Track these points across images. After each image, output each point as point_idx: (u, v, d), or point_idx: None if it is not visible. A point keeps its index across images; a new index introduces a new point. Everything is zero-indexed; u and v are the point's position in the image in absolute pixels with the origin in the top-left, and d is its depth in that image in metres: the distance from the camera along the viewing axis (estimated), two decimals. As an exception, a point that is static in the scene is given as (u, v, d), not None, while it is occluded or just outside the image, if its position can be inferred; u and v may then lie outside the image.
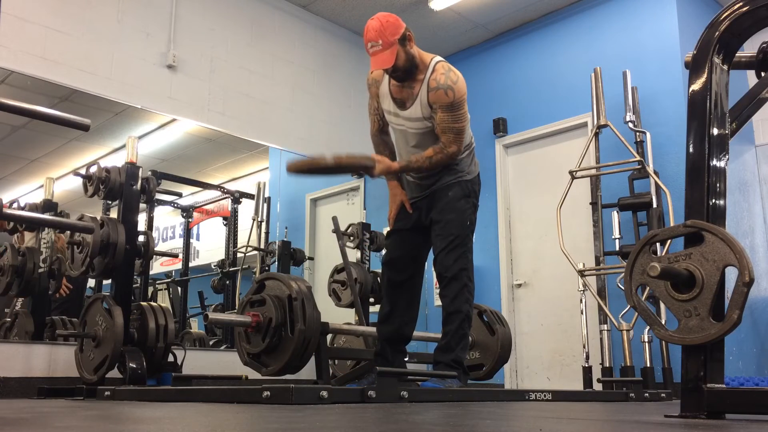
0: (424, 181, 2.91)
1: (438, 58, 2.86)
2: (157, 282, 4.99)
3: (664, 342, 4.09)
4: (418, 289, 3.00)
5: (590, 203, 4.58)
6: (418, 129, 2.84)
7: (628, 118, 4.48)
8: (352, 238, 4.77)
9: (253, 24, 5.01)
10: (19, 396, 3.23)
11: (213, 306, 5.01)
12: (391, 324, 2.91)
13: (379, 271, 3.30)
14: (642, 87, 4.67)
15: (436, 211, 2.86)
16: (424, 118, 2.80)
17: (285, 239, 5.09)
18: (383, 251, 3.65)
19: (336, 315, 4.28)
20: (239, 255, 4.93)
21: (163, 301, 4.90)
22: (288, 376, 2.87)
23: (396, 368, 2.71)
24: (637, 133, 4.49)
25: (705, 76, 1.61)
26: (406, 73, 2.79)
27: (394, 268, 2.96)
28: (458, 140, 2.78)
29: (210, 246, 5.15)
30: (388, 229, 3.11)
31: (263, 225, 5.00)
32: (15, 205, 3.74)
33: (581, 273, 4.24)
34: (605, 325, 4.27)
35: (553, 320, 5.04)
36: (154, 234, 4.44)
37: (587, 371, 4.28)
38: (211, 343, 4.77)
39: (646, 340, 4.08)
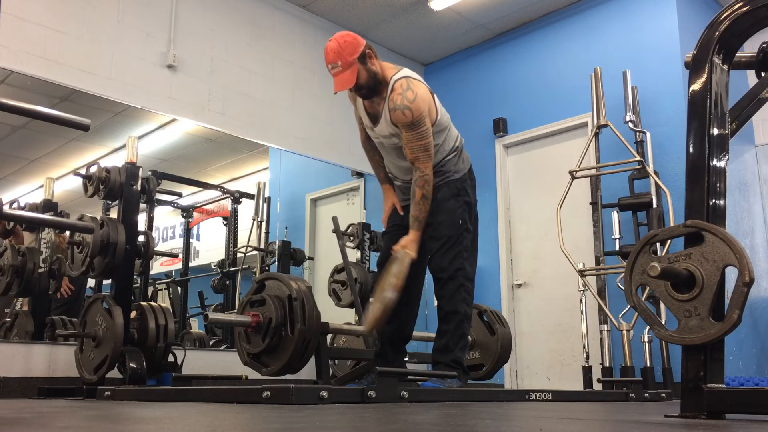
0: (410, 184, 2.91)
1: (399, 74, 2.79)
2: (157, 282, 4.99)
3: (664, 342, 4.09)
4: (415, 289, 2.99)
5: (590, 203, 4.58)
6: (392, 144, 2.88)
7: (628, 118, 4.48)
8: (352, 238, 4.77)
9: (253, 24, 5.01)
10: (19, 396, 3.23)
11: (213, 306, 5.01)
12: (390, 324, 2.91)
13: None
14: (642, 87, 4.67)
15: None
16: (391, 134, 2.83)
17: (285, 239, 5.09)
18: (381, 252, 3.66)
19: (336, 315, 4.28)
20: (239, 255, 4.93)
21: (163, 301, 4.90)
22: (288, 376, 2.87)
23: (396, 368, 2.71)
24: (637, 133, 4.49)
25: (705, 76, 1.61)
26: (370, 90, 2.79)
27: None
28: (426, 156, 2.77)
29: (210, 246, 5.15)
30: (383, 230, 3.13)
31: (263, 225, 5.00)
32: (15, 205, 3.74)
33: (581, 273, 4.24)
34: (605, 325, 4.27)
35: (553, 320, 5.04)
36: (154, 234, 4.44)
37: (587, 371, 4.28)
38: (211, 343, 4.77)
39: (646, 340, 4.08)
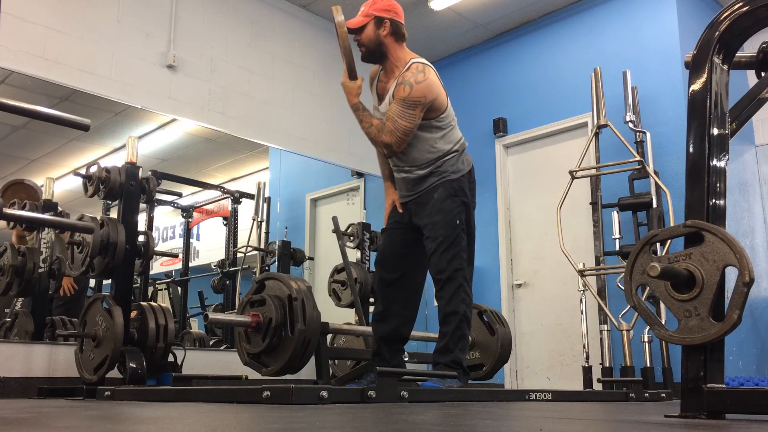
0: (407, 174, 2.91)
1: (419, 59, 2.86)
2: (157, 282, 4.99)
3: (664, 342, 4.09)
4: (414, 289, 2.99)
5: (590, 203, 4.58)
6: None
7: (628, 118, 4.48)
8: (352, 238, 4.77)
9: (253, 24, 5.01)
10: (19, 396, 3.23)
11: (213, 306, 5.01)
12: (387, 323, 2.91)
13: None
14: (642, 87, 4.67)
15: (424, 214, 2.86)
16: None
17: (285, 239, 5.09)
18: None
19: (336, 315, 4.28)
20: (239, 255, 4.93)
21: (163, 301, 4.90)
22: (288, 376, 2.87)
23: (396, 368, 2.71)
24: (637, 133, 4.49)
25: (705, 76, 1.61)
26: (369, 52, 2.88)
27: (384, 267, 2.97)
28: (396, 135, 2.76)
29: (210, 246, 5.15)
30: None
31: (263, 225, 5.00)
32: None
33: (581, 273, 4.24)
34: (605, 325, 4.27)
35: (553, 320, 5.04)
36: (154, 234, 4.44)
37: (587, 371, 4.28)
38: (211, 343, 4.77)
39: (646, 340, 4.08)
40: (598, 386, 4.08)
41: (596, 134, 4.55)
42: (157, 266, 4.95)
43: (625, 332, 4.04)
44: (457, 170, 2.90)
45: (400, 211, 2.99)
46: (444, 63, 6.04)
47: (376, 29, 2.82)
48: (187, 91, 4.50)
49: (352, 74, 2.85)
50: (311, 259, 5.37)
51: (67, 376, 3.37)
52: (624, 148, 4.35)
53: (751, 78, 1.97)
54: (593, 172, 4.52)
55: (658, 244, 1.60)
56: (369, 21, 2.82)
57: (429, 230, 2.83)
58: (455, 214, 2.83)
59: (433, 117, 2.82)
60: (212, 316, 2.92)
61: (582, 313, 4.41)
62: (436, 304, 2.91)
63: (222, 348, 4.66)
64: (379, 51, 2.85)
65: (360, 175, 5.64)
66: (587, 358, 4.31)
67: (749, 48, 1.83)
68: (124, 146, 3.33)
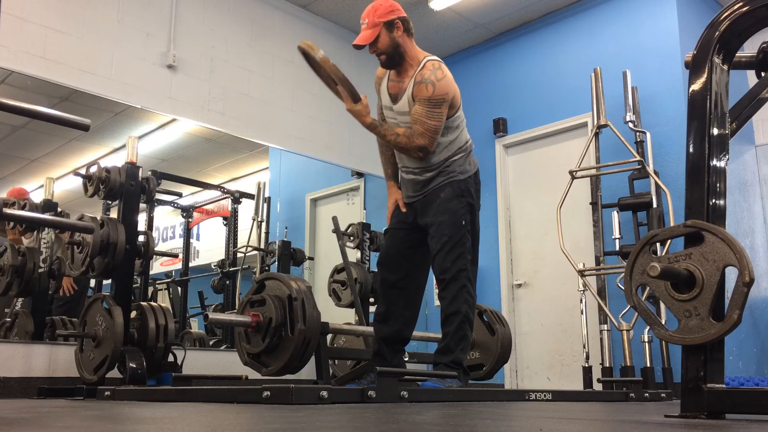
0: (417, 176, 2.91)
1: (432, 57, 2.87)
2: (157, 282, 4.99)
3: (664, 342, 4.09)
4: (416, 290, 2.98)
5: (590, 203, 4.58)
6: (407, 124, 2.87)
7: (628, 118, 4.48)
8: (352, 238, 4.77)
9: (253, 24, 5.01)
10: (19, 396, 3.23)
11: (213, 306, 5.01)
12: (388, 325, 2.91)
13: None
14: (642, 87, 4.67)
15: (430, 213, 2.86)
16: (410, 112, 2.83)
17: (285, 239, 5.09)
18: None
19: (336, 315, 4.28)
20: (239, 255, 4.93)
21: (163, 301, 4.90)
22: (288, 376, 2.87)
23: (396, 368, 2.71)
24: (637, 133, 4.49)
25: (705, 76, 1.61)
26: (389, 59, 2.86)
27: (386, 268, 2.97)
28: (427, 136, 2.77)
29: (210, 246, 5.15)
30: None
31: (263, 225, 5.00)
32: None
33: (581, 273, 4.24)
34: (605, 325, 4.27)
35: (553, 320, 5.04)
36: (154, 234, 4.44)
37: (587, 371, 4.28)
38: (211, 343, 4.77)
39: (646, 340, 4.08)
40: (598, 386, 4.08)
41: (596, 134, 4.55)
42: (157, 266, 4.95)
43: (625, 332, 4.04)
44: (465, 171, 2.91)
45: (404, 210, 2.98)
46: (444, 63, 6.03)
47: (390, 33, 2.82)
48: (187, 91, 4.50)
49: (355, 98, 2.82)
50: (311, 259, 5.37)
51: (67, 376, 3.37)
52: (624, 148, 4.35)
53: (751, 78, 1.97)
54: (593, 172, 4.52)
55: (658, 244, 1.60)
56: (380, 30, 2.82)
57: (434, 230, 2.82)
58: (461, 215, 2.82)
59: (449, 116, 2.83)
60: (212, 316, 2.92)
61: (582, 313, 4.41)
62: (437, 304, 2.90)
63: (222, 348, 4.66)
64: (398, 53, 2.85)
65: (360, 175, 5.64)
66: (587, 358, 4.31)
67: (749, 48, 1.83)
68: (124, 146, 3.33)
